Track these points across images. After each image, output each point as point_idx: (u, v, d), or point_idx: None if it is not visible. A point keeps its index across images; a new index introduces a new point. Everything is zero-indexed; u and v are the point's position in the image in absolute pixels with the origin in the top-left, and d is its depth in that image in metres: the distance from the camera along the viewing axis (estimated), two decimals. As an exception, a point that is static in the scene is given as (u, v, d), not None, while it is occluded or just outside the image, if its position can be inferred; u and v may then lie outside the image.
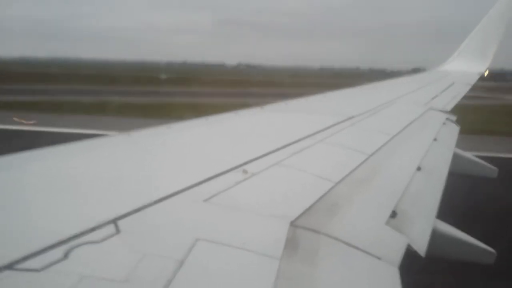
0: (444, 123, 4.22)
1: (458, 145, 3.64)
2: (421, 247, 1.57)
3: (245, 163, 1.96)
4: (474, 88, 7.85)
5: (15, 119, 19.46)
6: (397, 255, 1.41)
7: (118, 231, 1.19)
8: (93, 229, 1.17)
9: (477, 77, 9.03)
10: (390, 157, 2.56)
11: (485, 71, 9.88)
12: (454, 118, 4.66)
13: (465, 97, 6.49)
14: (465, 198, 7.71)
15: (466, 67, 9.99)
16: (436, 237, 1.77)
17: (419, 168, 2.45)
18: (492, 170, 3.84)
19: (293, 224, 1.42)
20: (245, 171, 1.84)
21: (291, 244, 1.29)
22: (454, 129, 4.16)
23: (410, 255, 1.50)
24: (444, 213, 2.04)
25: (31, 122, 19.18)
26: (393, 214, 1.73)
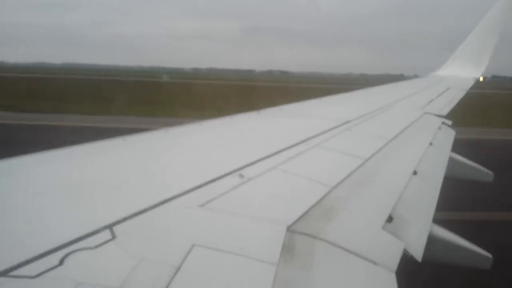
0: (440, 128, 4.24)
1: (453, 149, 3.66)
2: (418, 252, 1.56)
3: (242, 167, 1.96)
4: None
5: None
6: (394, 260, 1.41)
7: (113, 236, 1.18)
8: (88, 235, 1.16)
9: (473, 82, 9.10)
10: (386, 162, 2.57)
11: (480, 76, 9.96)
12: (449, 122, 4.69)
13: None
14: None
15: (461, 72, 10.07)
16: (432, 241, 1.77)
17: (415, 173, 2.46)
18: (487, 174, 3.87)
19: (289, 229, 1.41)
20: (241, 176, 1.84)
21: (288, 249, 1.29)
22: (450, 134, 4.18)
23: (406, 259, 1.50)
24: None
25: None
26: (389, 219, 1.73)
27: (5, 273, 0.95)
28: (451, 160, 3.25)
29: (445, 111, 5.29)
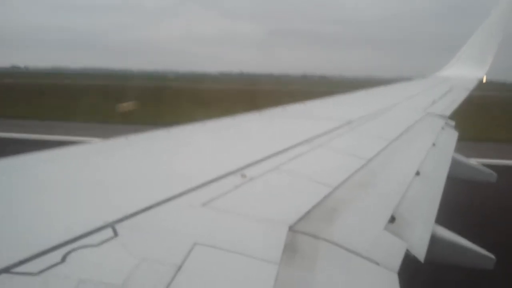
0: (442, 128, 4.23)
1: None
2: (420, 252, 1.56)
3: (244, 167, 1.96)
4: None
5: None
6: (396, 261, 1.40)
7: (115, 234, 1.18)
8: (90, 233, 1.16)
9: (476, 82, 9.05)
10: (388, 162, 2.56)
11: (484, 77, 9.91)
12: (452, 123, 4.67)
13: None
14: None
15: (465, 72, 10.03)
16: (435, 242, 1.76)
17: (417, 173, 2.45)
18: (490, 175, 3.85)
19: (291, 229, 1.41)
20: (243, 175, 1.84)
21: (289, 249, 1.29)
22: (453, 134, 4.16)
23: (409, 260, 1.49)
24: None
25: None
26: (392, 219, 1.72)
27: (8, 269, 0.96)
28: (454, 161, 3.24)
29: (448, 112, 5.27)
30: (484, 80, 10.00)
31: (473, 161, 4.01)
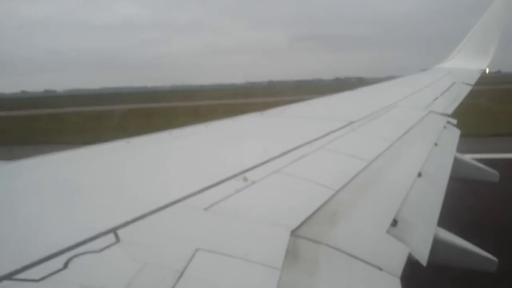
0: (445, 127, 4.20)
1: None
2: (423, 256, 1.55)
3: (246, 170, 1.95)
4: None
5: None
6: (398, 265, 1.40)
7: (117, 240, 1.18)
8: (92, 239, 1.17)
9: (479, 74, 8.86)
10: (390, 164, 2.55)
11: (486, 68, 9.73)
12: (454, 121, 4.64)
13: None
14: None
15: (467, 64, 9.85)
16: (437, 245, 1.75)
17: (419, 174, 2.43)
18: (493, 174, 3.83)
19: (293, 233, 1.41)
20: (245, 179, 1.83)
21: (292, 254, 1.29)
22: (455, 133, 4.14)
23: (411, 263, 1.49)
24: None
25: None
26: (394, 223, 1.72)
27: (9, 276, 0.96)
28: (456, 161, 3.22)
29: (451, 109, 5.22)
30: (487, 72, 9.82)
31: (471, 158, 3.98)
